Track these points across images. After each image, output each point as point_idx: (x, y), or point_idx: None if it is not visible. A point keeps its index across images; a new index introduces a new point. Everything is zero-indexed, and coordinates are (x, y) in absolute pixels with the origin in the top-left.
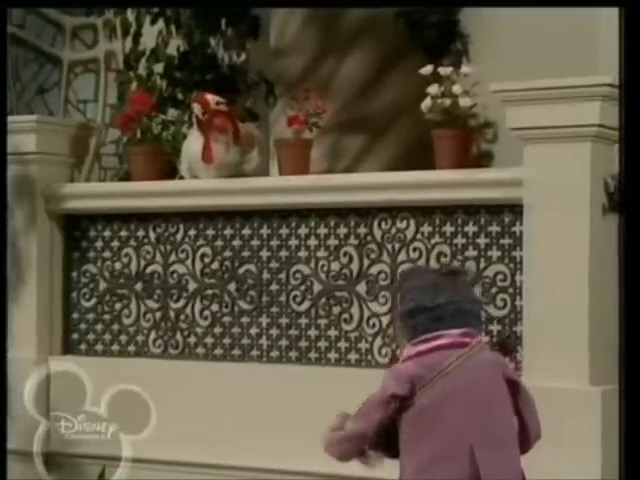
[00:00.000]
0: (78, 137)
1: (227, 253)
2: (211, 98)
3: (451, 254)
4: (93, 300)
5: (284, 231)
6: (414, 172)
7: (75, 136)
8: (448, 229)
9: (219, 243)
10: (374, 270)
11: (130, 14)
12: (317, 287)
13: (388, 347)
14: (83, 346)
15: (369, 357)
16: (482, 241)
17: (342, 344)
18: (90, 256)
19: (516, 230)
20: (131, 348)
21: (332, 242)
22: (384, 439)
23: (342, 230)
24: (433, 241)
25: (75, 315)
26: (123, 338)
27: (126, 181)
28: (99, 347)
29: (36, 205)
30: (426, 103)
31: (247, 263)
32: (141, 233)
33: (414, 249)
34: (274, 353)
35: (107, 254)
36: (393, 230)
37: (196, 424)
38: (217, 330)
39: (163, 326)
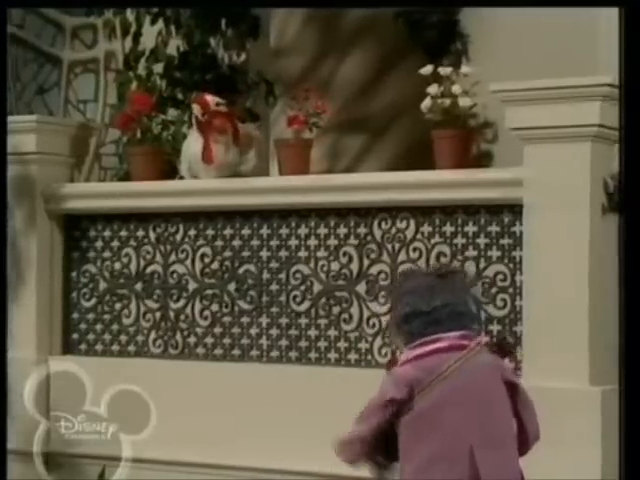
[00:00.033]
0: (78, 137)
1: (227, 253)
2: (210, 99)
3: (451, 254)
4: (93, 300)
5: (284, 231)
6: (414, 172)
7: (75, 136)
8: (448, 229)
9: (219, 243)
10: (374, 270)
11: (130, 14)
12: (317, 287)
13: (388, 347)
14: (83, 346)
15: (369, 357)
16: (482, 241)
17: (342, 344)
18: (90, 256)
19: (516, 230)
20: (131, 348)
21: (332, 242)
22: (383, 443)
23: (342, 230)
24: (433, 241)
25: (75, 315)
26: (123, 338)
27: (126, 181)
28: (99, 347)
29: (36, 205)
30: (426, 103)
31: (247, 263)
32: (141, 233)
33: (414, 249)
34: (274, 353)
35: (107, 254)
36: (393, 230)
37: (196, 424)
38: (217, 330)
39: (163, 326)
